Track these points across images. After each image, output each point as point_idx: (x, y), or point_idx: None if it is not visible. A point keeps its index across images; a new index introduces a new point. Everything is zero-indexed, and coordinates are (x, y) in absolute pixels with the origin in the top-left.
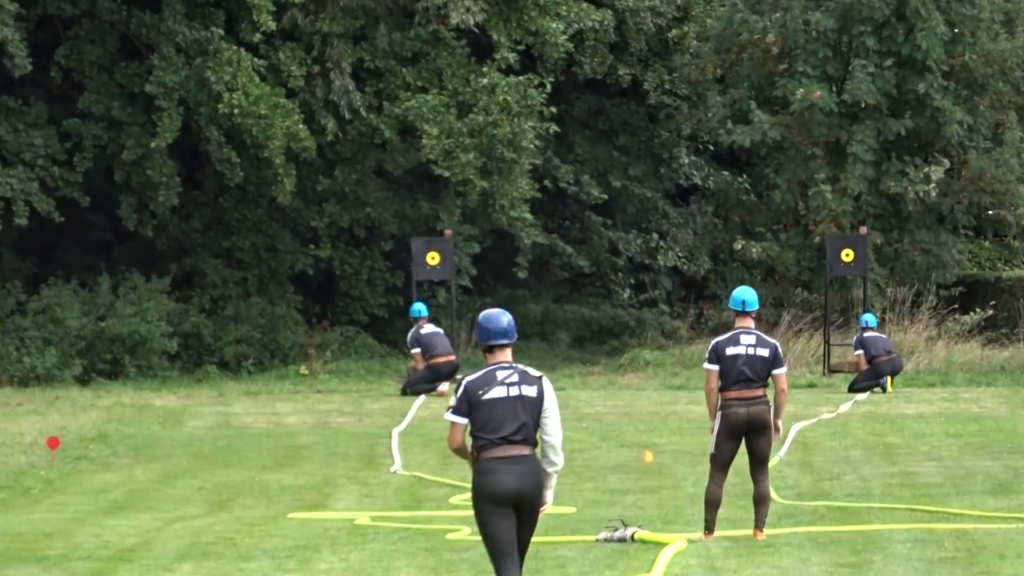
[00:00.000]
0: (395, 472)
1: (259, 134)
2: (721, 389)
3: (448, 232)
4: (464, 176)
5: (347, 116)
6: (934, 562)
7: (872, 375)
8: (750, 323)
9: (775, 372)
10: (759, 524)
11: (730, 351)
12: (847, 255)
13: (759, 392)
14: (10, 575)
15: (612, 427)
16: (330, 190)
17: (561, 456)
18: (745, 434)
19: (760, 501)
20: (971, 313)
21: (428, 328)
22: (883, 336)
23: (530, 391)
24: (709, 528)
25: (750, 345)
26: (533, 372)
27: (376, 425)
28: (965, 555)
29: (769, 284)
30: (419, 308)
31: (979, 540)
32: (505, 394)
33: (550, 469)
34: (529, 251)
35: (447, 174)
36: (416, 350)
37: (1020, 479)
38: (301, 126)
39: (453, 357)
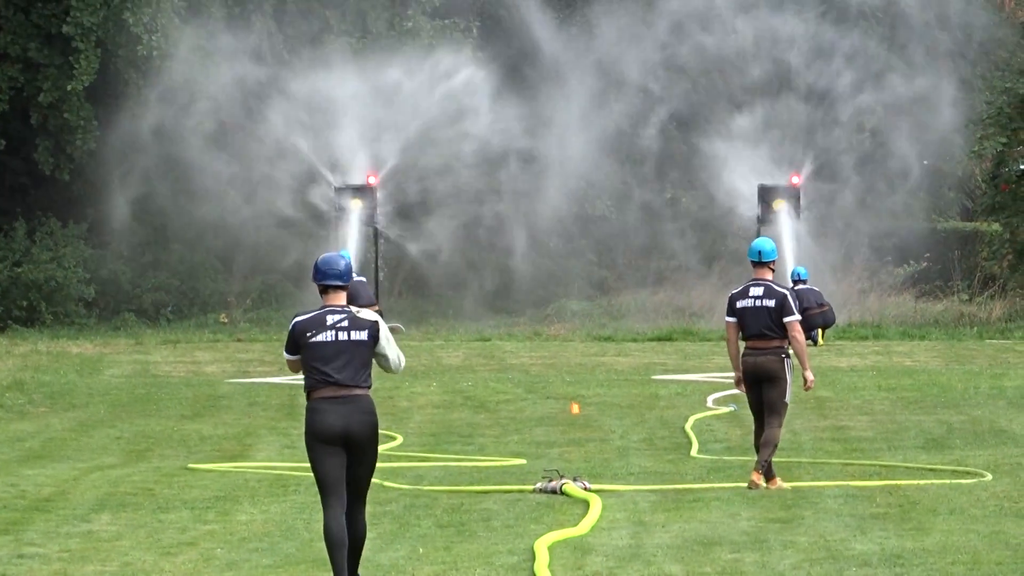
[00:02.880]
0: None
1: (179, 77)
2: (742, 339)
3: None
4: None
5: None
6: (865, 518)
7: (803, 328)
8: (766, 274)
9: (784, 320)
10: (757, 465)
11: (740, 304)
12: (778, 204)
13: (771, 343)
14: None
15: (538, 379)
16: None
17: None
18: (760, 383)
19: (764, 444)
20: (904, 265)
21: (351, 277)
22: (815, 289)
23: (360, 335)
24: (756, 468)
25: (758, 297)
26: (367, 316)
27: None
28: (897, 511)
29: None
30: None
31: (911, 496)
32: (333, 338)
33: None
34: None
35: None
36: None
37: (953, 434)
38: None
39: (376, 307)
